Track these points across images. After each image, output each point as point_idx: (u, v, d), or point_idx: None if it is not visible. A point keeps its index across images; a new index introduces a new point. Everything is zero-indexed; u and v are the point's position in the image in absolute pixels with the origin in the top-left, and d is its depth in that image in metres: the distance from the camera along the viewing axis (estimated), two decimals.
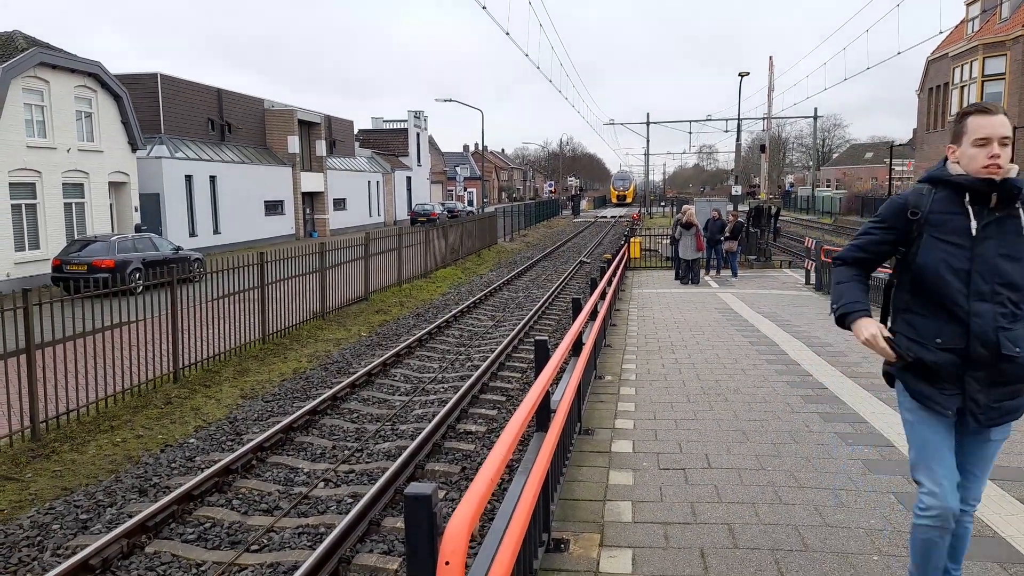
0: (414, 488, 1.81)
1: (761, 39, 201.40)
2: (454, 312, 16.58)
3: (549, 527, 4.10)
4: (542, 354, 4.04)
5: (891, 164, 49.56)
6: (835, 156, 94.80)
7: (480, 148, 61.51)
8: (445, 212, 54.22)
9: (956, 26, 38.59)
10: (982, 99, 33.21)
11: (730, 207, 24.68)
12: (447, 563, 1.62)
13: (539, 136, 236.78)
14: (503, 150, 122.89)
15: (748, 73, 28.43)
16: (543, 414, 3.95)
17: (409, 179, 59.41)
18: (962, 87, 35.11)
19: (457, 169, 69.72)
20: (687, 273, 18.00)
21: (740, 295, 15.74)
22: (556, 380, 5.60)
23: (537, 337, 4.17)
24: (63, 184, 23.22)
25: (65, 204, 23.38)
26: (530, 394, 3.16)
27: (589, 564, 3.93)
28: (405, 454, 7.38)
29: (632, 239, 23.17)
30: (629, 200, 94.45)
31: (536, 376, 3.70)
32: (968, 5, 37.01)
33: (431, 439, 8.10)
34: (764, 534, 4.22)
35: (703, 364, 8.88)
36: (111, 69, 25.42)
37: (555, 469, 4.44)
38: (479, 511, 1.85)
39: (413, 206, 55.66)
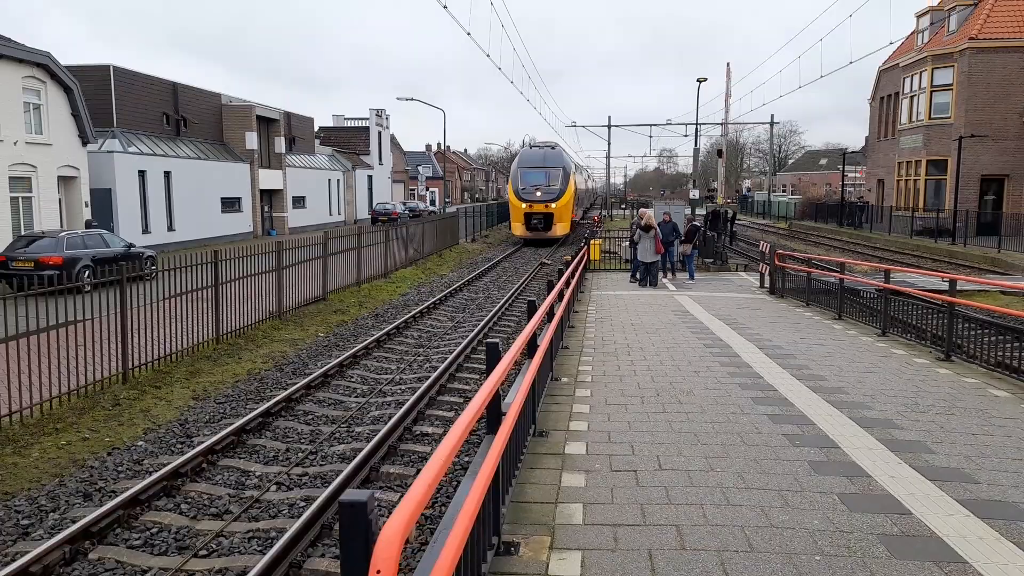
0: (349, 495, 1.80)
1: (728, 44, 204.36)
2: (413, 313, 16.49)
3: (499, 530, 4.11)
4: (493, 356, 4.04)
5: (843, 171, 50.72)
6: (791, 162, 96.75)
7: (443, 148, 61.25)
8: (407, 212, 53.91)
9: (907, 37, 39.67)
10: (931, 109, 34.25)
11: (687, 211, 24.99)
12: (378, 571, 1.61)
13: (503, 137, 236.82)
14: (466, 150, 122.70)
15: (706, 79, 28.85)
16: (494, 416, 3.95)
17: (370, 178, 58.92)
18: (912, 97, 36.12)
19: (419, 169, 69.25)
20: (645, 275, 18.19)
21: (696, 298, 15.96)
22: (511, 382, 5.60)
23: (489, 340, 4.18)
24: (9, 178, 22.51)
25: (11, 198, 22.67)
26: (477, 397, 3.15)
27: (539, 567, 3.95)
28: (360, 456, 7.33)
29: (592, 241, 23.33)
30: (560, 230, 36.98)
31: (486, 378, 3.70)
32: (918, 17, 38.09)
33: (387, 441, 8.05)
34: (711, 535, 4.29)
35: (658, 366, 8.98)
36: (62, 59, 24.73)
37: (507, 471, 4.44)
38: (414, 517, 1.84)
39: (374, 205, 55.21)
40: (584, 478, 5.22)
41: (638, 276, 18.73)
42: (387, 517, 2.01)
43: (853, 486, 5.03)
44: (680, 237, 20.19)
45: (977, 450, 5.79)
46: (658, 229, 18.05)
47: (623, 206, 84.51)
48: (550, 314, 7.89)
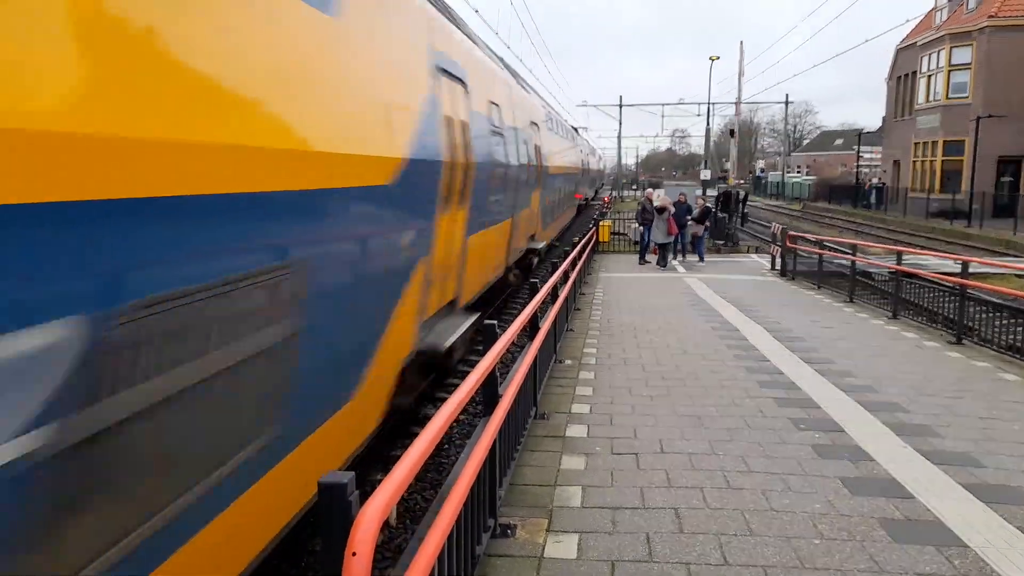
0: (330, 477, 1.78)
1: (744, 21, 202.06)
2: None
3: (496, 512, 4.09)
4: (490, 337, 4.01)
5: (859, 151, 50.18)
6: (806, 142, 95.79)
7: None
8: None
9: (925, 15, 39.02)
10: (948, 88, 33.73)
11: (698, 192, 24.80)
12: (354, 553, 1.59)
13: None
14: None
15: (719, 58, 28.62)
16: (490, 398, 3.93)
17: None
18: (929, 76, 35.58)
19: None
20: (663, 255, 18.08)
21: (705, 280, 15.86)
22: (512, 362, 5.58)
23: (486, 322, 4.15)
24: None
25: None
26: (469, 378, 3.13)
27: (534, 549, 3.94)
28: (365, 438, 7.32)
29: (601, 223, 23.20)
30: None
31: (481, 359, 3.66)
32: None
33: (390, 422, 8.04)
34: (710, 519, 4.26)
35: (664, 349, 8.92)
36: None
37: (504, 454, 4.43)
38: (394, 500, 1.82)
39: None
40: (584, 461, 5.20)
41: (646, 258, 18.65)
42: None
43: (856, 470, 4.98)
44: (693, 218, 20.05)
45: (984, 434, 5.72)
46: (672, 210, 17.93)
47: (634, 187, 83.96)
48: (554, 295, 7.86)
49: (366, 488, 1.77)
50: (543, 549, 3.92)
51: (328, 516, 1.76)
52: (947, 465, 5.06)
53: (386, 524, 5.35)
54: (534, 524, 4.21)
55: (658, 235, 17.89)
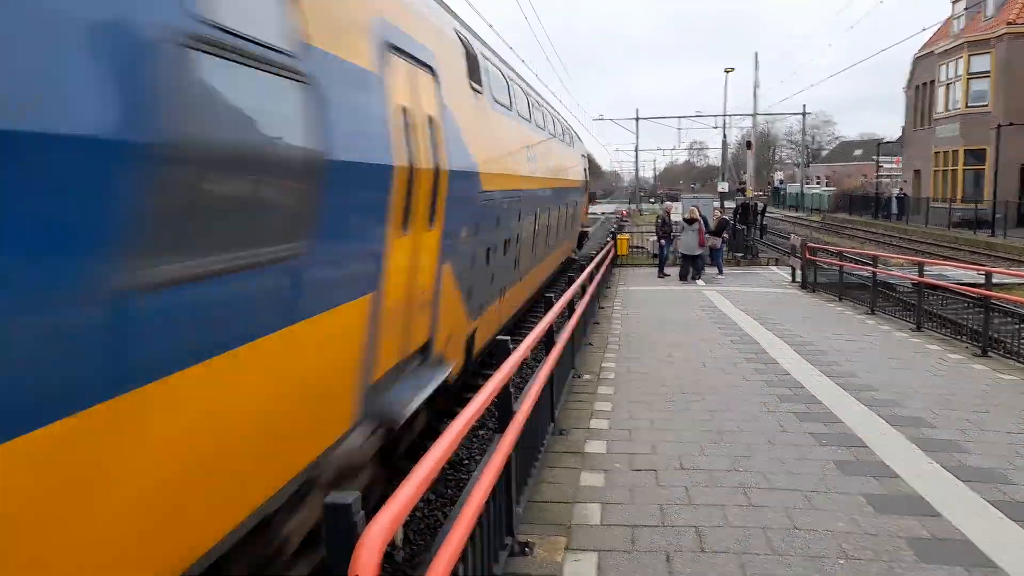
0: (334, 497, 1.74)
1: (761, 32, 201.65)
2: None
3: (513, 530, 4.03)
4: (503, 353, 3.97)
5: (878, 161, 49.76)
6: (824, 153, 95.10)
7: None
8: None
9: (942, 23, 38.71)
10: (968, 97, 33.38)
11: (716, 204, 24.64)
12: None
13: None
14: None
15: (733, 69, 28.55)
16: (504, 414, 3.88)
17: None
18: (948, 85, 35.26)
19: None
20: (687, 269, 17.86)
21: (725, 292, 15.71)
22: (528, 377, 5.51)
23: (499, 338, 4.10)
24: None
25: None
26: (480, 394, 3.08)
27: (553, 568, 3.87)
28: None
29: (619, 236, 23.11)
30: None
31: (492, 375, 3.62)
32: (954, 3, 37.15)
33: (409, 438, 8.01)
34: (731, 537, 4.16)
35: (683, 363, 8.82)
36: None
37: (520, 471, 4.37)
38: (398, 521, 1.78)
39: None
40: (603, 477, 5.13)
41: (666, 271, 18.52)
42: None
43: (881, 487, 4.86)
44: (710, 231, 19.89)
45: (1012, 449, 5.57)
46: (702, 222, 17.73)
47: (651, 200, 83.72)
48: (571, 309, 7.80)
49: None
50: (562, 568, 3.85)
51: (333, 537, 1.72)
52: (975, 482, 4.93)
53: (392, 545, 5.29)
54: (553, 542, 4.14)
55: (689, 247, 17.64)
